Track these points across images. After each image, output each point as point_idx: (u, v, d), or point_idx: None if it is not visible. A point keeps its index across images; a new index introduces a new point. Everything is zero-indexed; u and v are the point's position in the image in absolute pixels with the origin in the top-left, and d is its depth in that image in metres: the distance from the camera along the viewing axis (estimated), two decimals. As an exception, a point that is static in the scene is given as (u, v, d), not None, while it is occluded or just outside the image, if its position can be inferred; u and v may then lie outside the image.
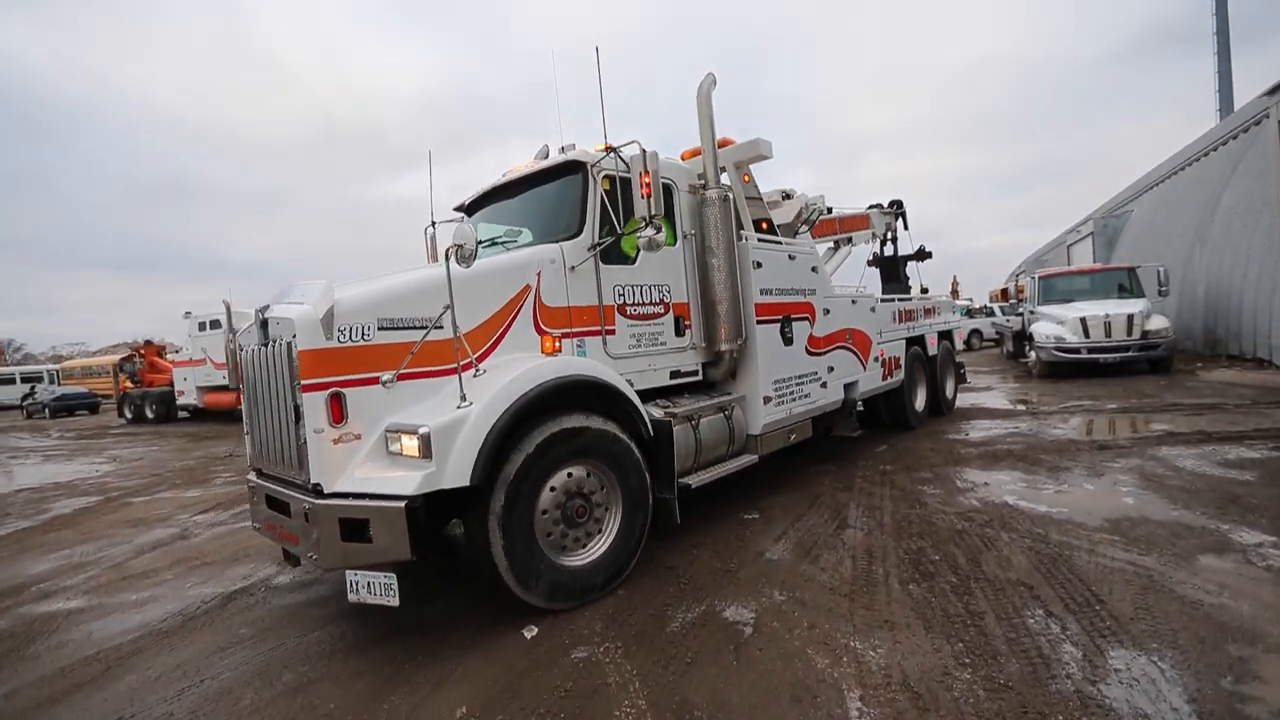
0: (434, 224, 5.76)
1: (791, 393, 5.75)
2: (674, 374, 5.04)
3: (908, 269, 11.30)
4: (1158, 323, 12.31)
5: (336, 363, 3.39)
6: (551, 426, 3.68)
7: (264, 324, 3.69)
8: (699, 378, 5.27)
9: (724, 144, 5.84)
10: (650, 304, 4.72)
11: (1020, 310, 16.82)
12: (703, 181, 5.13)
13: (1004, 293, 16.89)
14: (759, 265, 5.41)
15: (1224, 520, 4.30)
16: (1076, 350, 12.56)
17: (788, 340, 5.73)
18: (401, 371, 3.53)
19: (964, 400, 10.59)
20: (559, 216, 4.63)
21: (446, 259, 3.39)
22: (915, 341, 8.67)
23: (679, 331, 4.94)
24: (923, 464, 6.46)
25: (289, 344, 3.40)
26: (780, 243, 5.94)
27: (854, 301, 7.02)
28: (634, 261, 4.62)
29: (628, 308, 4.57)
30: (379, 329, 3.53)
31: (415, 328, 3.59)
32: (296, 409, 3.39)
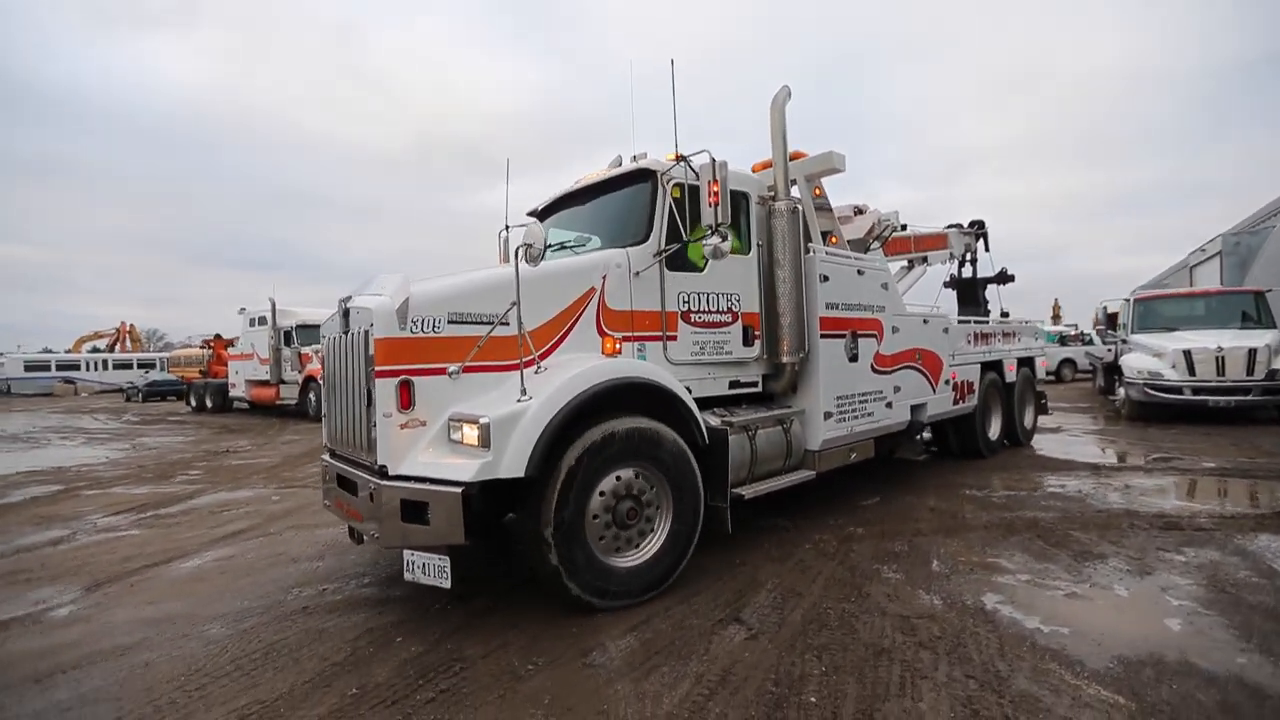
0: (508, 228, 5.98)
1: (854, 410, 5.59)
2: (733, 384, 5.01)
3: (987, 292, 10.79)
4: None
5: (408, 352, 3.58)
6: (608, 426, 3.74)
7: (345, 313, 3.94)
8: (759, 389, 5.22)
9: (796, 156, 5.80)
10: (717, 312, 4.73)
11: (1111, 339, 15.24)
12: (772, 193, 5.11)
13: (1112, 319, 14.11)
14: (825, 279, 5.31)
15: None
16: (1177, 390, 10.53)
17: (853, 357, 5.58)
18: (467, 364, 3.69)
19: (1016, 447, 8.96)
20: (627, 223, 4.72)
21: (515, 257, 3.52)
22: (991, 366, 8.23)
23: (747, 341, 4.90)
24: (906, 529, 5.08)
25: (366, 332, 3.62)
26: (850, 257, 5.82)
27: (926, 321, 6.76)
28: (702, 269, 4.65)
29: (692, 315, 4.59)
30: (449, 322, 3.70)
31: (483, 323, 3.74)
32: (369, 394, 3.60)
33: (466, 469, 3.30)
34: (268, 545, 5.32)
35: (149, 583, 4.51)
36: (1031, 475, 6.95)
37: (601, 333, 4.28)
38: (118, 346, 49.40)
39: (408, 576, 3.44)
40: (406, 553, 3.46)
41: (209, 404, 21.74)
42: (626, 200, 4.80)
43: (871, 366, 5.84)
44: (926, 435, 8.70)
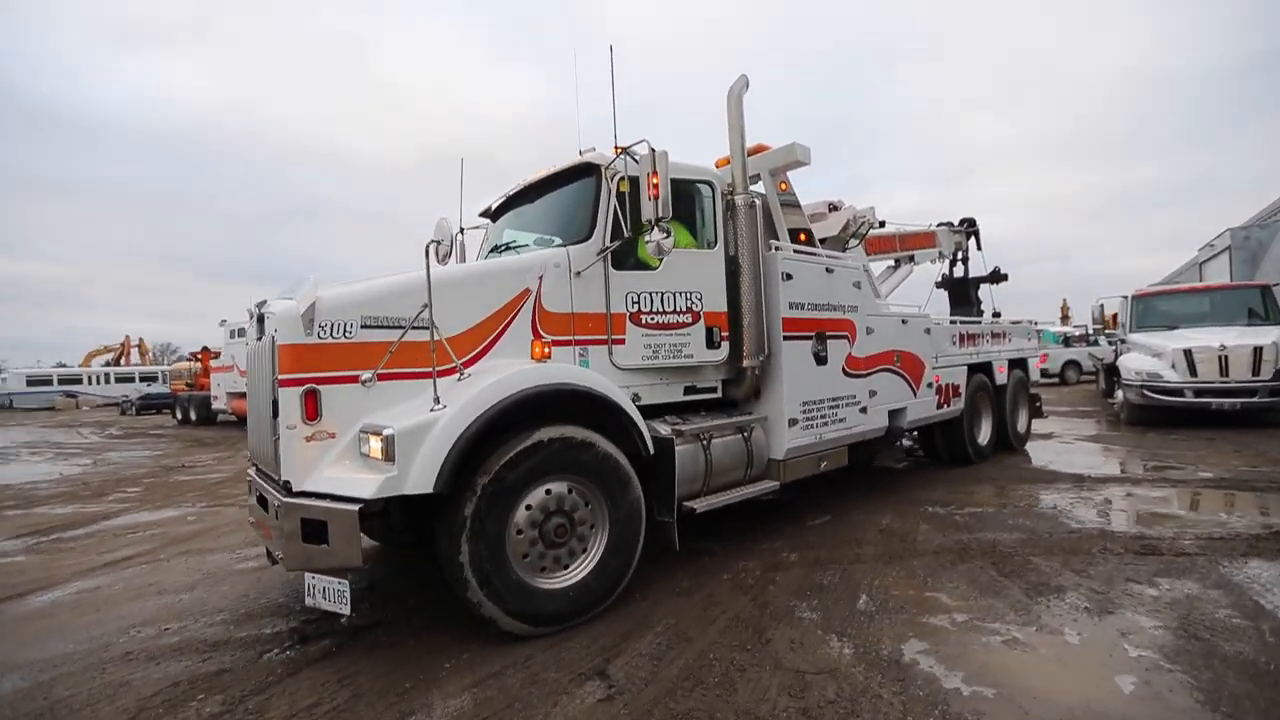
0: (462, 230, 5.73)
1: (823, 416, 5.28)
2: (689, 389, 4.73)
3: (980, 291, 10.46)
4: None
5: (315, 359, 3.32)
6: (536, 435, 3.47)
7: (260, 319, 3.70)
8: (718, 395, 4.93)
9: (758, 150, 5.54)
10: (674, 312, 4.42)
11: (1111, 339, 14.65)
12: (731, 188, 4.84)
13: (1114, 318, 13.26)
14: (789, 277, 5.02)
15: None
16: (1177, 392, 9.90)
17: (821, 359, 5.28)
18: (385, 371, 3.43)
19: (1007, 453, 8.40)
20: (572, 220, 4.46)
21: (426, 255, 3.26)
22: (980, 369, 7.90)
23: (711, 343, 4.55)
24: (845, 555, 4.46)
25: (273, 338, 3.37)
26: (817, 255, 5.52)
27: (905, 322, 6.45)
28: (656, 268, 4.35)
29: (643, 316, 4.30)
30: (361, 327, 3.44)
31: (399, 327, 3.48)
32: (275, 404, 3.34)
33: (368, 485, 3.03)
34: (145, 574, 4.90)
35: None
36: (1009, 488, 6.40)
37: (538, 337, 4.01)
38: (123, 360, 49.64)
39: (309, 601, 3.17)
40: (308, 575, 3.19)
41: (193, 416, 21.66)
42: (571, 197, 4.54)
43: (843, 370, 5.53)
44: (909, 442, 8.37)
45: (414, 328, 3.37)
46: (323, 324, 3.34)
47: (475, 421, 3.22)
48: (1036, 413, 9.34)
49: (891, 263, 9.16)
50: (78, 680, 3.18)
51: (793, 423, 4.98)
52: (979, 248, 10.39)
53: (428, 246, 3.28)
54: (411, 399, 3.46)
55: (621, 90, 4.56)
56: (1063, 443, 9.42)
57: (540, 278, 4.05)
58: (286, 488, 3.25)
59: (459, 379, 3.52)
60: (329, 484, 3.17)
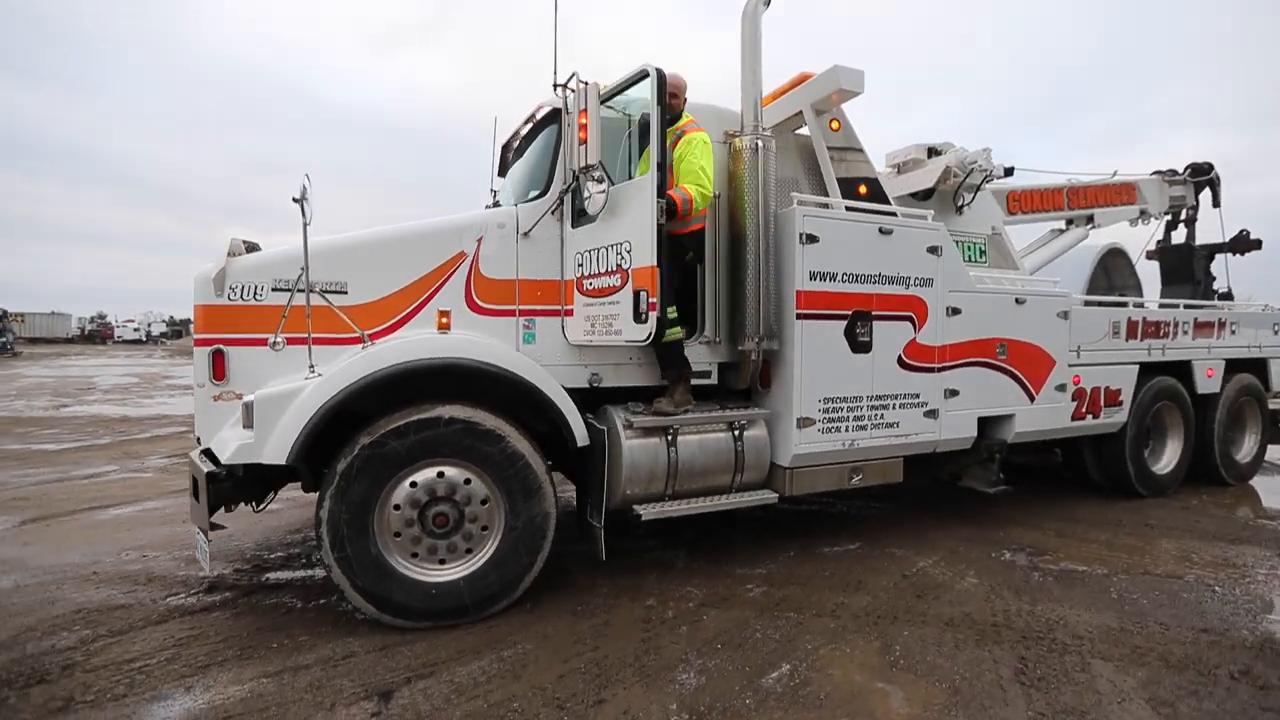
0: (494, 192, 5.53)
1: (858, 418, 4.18)
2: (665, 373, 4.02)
3: (1212, 264, 7.70)
4: None
5: (224, 320, 3.35)
6: (434, 410, 3.16)
7: None
8: (711, 381, 4.14)
9: (800, 80, 4.47)
10: (605, 274, 3.49)
11: None
12: (736, 131, 3.94)
13: None
14: (811, 239, 3.97)
15: None
16: None
17: (860, 345, 4.16)
18: (299, 336, 3.33)
19: (1214, 490, 6.00)
20: (535, 175, 4.00)
21: (302, 214, 3.06)
22: (1166, 369, 5.76)
23: (639, 314, 3.24)
24: (820, 604, 3.45)
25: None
26: (868, 210, 4.32)
27: (1020, 301, 4.86)
28: (595, 217, 3.49)
29: (584, 281, 3.69)
30: (272, 289, 3.39)
31: (316, 290, 3.35)
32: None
33: (227, 450, 2.98)
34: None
35: None
36: (1167, 541, 4.55)
37: (473, 305, 3.65)
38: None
39: (196, 555, 3.27)
40: (197, 531, 3.27)
41: None
42: (538, 149, 4.05)
43: (899, 360, 4.32)
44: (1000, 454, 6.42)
45: (296, 290, 3.22)
46: (233, 285, 3.34)
47: (340, 393, 3.00)
48: (1275, 437, 6.63)
49: (1062, 225, 7.09)
50: (32, 591, 3.60)
51: (805, 422, 4.01)
52: (1216, 204, 7.60)
53: (301, 204, 3.05)
54: (322, 366, 3.35)
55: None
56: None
57: (479, 239, 3.66)
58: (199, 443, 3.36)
59: (363, 349, 3.32)
60: (216, 444, 3.19)
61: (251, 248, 3.54)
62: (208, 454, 3.23)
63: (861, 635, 3.12)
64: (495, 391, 3.40)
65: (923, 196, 5.36)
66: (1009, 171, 5.54)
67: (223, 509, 3.23)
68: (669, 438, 3.75)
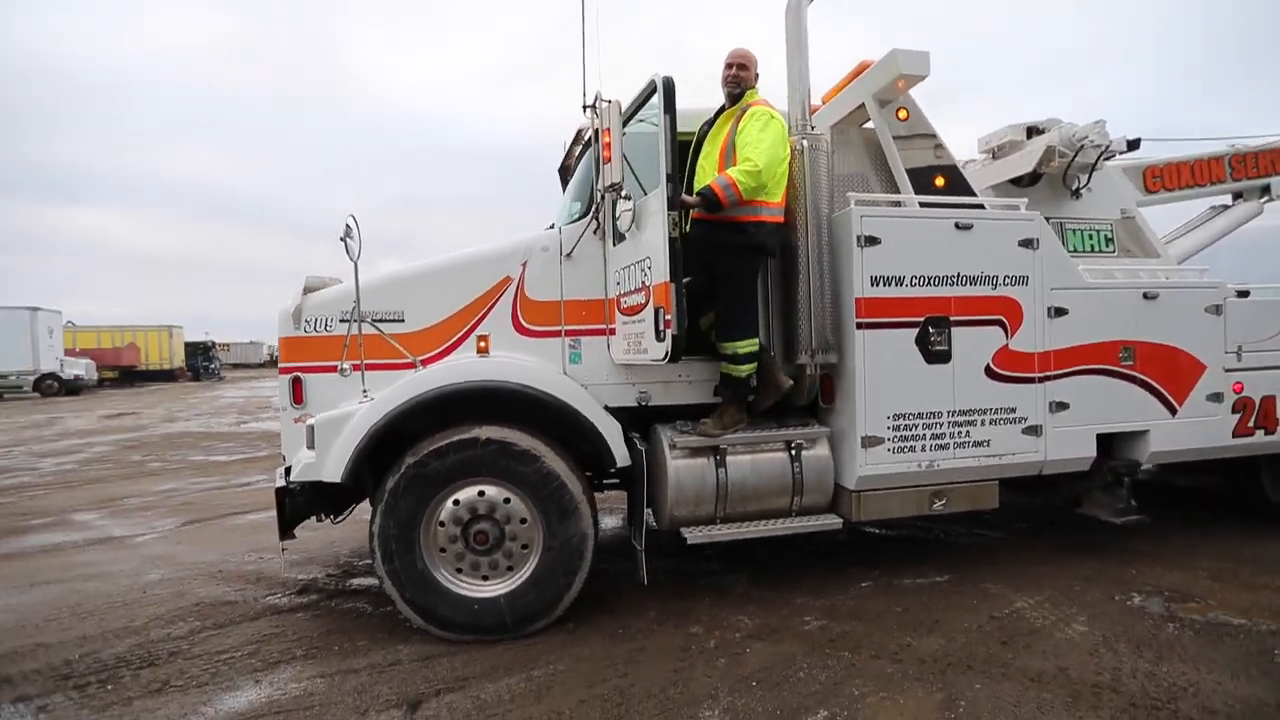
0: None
1: (936, 436, 3.74)
2: (718, 390, 3.86)
3: None
4: None
5: (302, 350, 3.73)
6: (471, 431, 3.30)
7: None
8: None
9: (861, 69, 4.15)
10: (634, 291, 3.41)
11: None
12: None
13: None
14: (872, 241, 3.64)
15: None
16: None
17: (937, 355, 3.73)
18: (368, 363, 3.63)
19: None
20: (582, 197, 4.05)
21: (346, 251, 3.33)
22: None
23: (658, 333, 3.12)
24: (882, 644, 3.10)
25: (282, 333, 3.89)
26: (944, 205, 3.87)
27: (1149, 296, 4.10)
28: (627, 236, 3.44)
29: (622, 299, 3.65)
30: (339, 321, 3.71)
31: (369, 320, 3.64)
32: (287, 392, 3.86)
33: (296, 469, 3.30)
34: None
35: None
36: None
37: (519, 328, 3.76)
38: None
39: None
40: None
41: None
42: (581, 172, 4.11)
43: (988, 370, 3.82)
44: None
45: (351, 321, 3.48)
46: (308, 319, 3.71)
47: (384, 418, 3.21)
48: None
49: (1228, 199, 5.93)
50: (170, 584, 4.22)
51: (872, 441, 3.66)
52: None
53: (345, 242, 3.32)
54: (380, 390, 3.61)
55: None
56: None
57: (524, 264, 3.77)
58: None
59: (416, 372, 3.54)
60: (295, 464, 3.54)
61: (328, 283, 3.92)
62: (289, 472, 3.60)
63: (922, 684, 2.75)
64: (536, 413, 3.46)
65: (1029, 182, 4.74)
66: (1134, 145, 4.73)
67: (313, 519, 3.61)
68: (717, 458, 3.60)
